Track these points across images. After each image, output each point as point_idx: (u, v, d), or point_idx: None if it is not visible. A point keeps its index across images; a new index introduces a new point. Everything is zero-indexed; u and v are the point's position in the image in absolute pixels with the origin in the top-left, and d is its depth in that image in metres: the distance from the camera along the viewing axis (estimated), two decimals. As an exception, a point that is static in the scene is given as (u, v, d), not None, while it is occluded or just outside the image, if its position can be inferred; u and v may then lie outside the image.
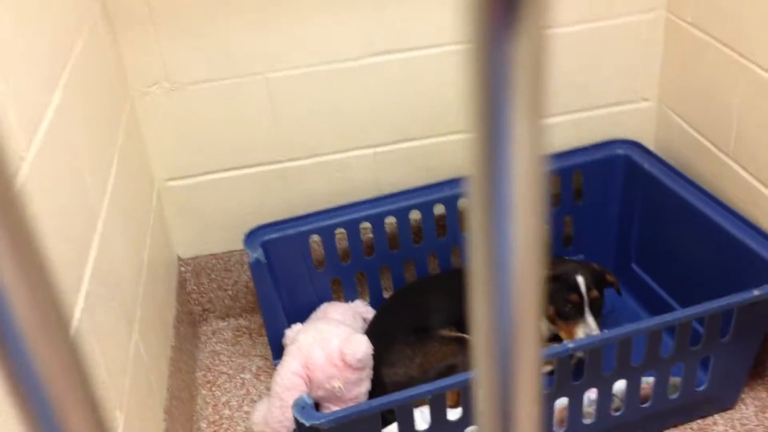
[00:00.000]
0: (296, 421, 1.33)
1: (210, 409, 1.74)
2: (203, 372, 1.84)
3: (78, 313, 1.08)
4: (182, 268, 1.92)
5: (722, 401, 1.63)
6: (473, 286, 0.30)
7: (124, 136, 1.56)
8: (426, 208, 1.85)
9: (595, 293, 1.67)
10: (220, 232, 1.91)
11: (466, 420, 1.42)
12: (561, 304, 1.67)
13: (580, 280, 1.67)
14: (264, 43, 1.72)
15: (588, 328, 1.64)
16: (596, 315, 1.67)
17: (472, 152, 0.27)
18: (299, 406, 1.33)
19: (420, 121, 1.87)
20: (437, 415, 1.40)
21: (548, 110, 0.27)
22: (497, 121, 0.26)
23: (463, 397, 1.41)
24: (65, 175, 1.15)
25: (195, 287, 1.95)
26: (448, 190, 1.86)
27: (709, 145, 1.78)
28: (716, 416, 1.62)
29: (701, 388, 1.56)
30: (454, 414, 1.42)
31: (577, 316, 1.67)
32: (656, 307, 1.84)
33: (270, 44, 1.72)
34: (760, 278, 1.49)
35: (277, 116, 1.80)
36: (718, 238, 1.64)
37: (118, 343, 1.25)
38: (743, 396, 1.65)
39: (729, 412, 1.63)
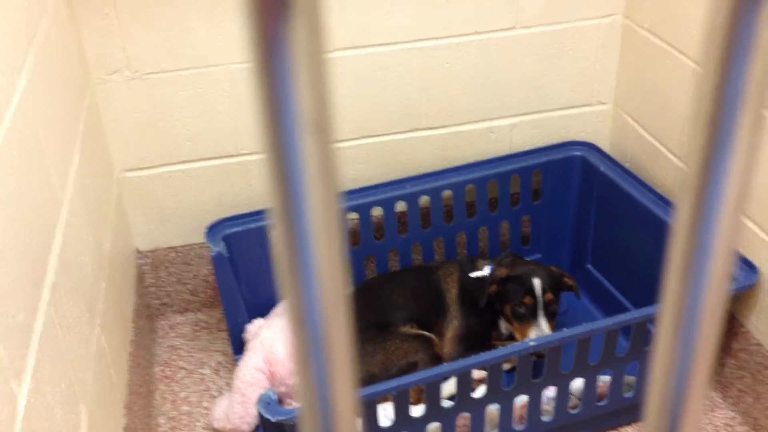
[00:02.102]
0: (261, 417, 1.32)
1: (169, 405, 1.72)
2: (161, 367, 1.82)
3: (43, 306, 1.06)
4: (140, 261, 1.89)
5: (673, 399, 1.67)
6: (286, 314, 0.30)
7: (85, 124, 1.53)
8: (388, 204, 1.85)
9: (549, 296, 1.69)
10: (180, 224, 1.88)
11: (428, 416, 1.43)
12: (516, 305, 1.70)
13: (536, 282, 1.69)
14: (227, 33, 1.70)
15: (540, 331, 1.66)
16: (550, 318, 1.70)
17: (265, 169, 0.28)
18: (264, 401, 1.32)
19: (383, 117, 1.87)
20: (400, 412, 1.41)
21: (332, 127, 0.28)
22: (285, 140, 0.27)
23: (426, 393, 1.42)
24: (30, 163, 1.12)
25: (153, 280, 1.92)
26: (410, 187, 1.87)
27: (662, 149, 1.83)
28: (668, 413, 1.67)
29: (654, 386, 1.61)
30: (417, 410, 1.44)
31: (531, 318, 1.69)
32: (610, 307, 1.88)
33: (233, 35, 1.71)
34: (712, 280, 1.54)
35: (239, 108, 1.78)
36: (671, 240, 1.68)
37: (81, 337, 1.22)
38: (693, 394, 1.69)
39: (679, 409, 1.67)
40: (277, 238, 0.29)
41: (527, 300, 1.68)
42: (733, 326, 1.62)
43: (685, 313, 0.32)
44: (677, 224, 0.31)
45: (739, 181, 0.29)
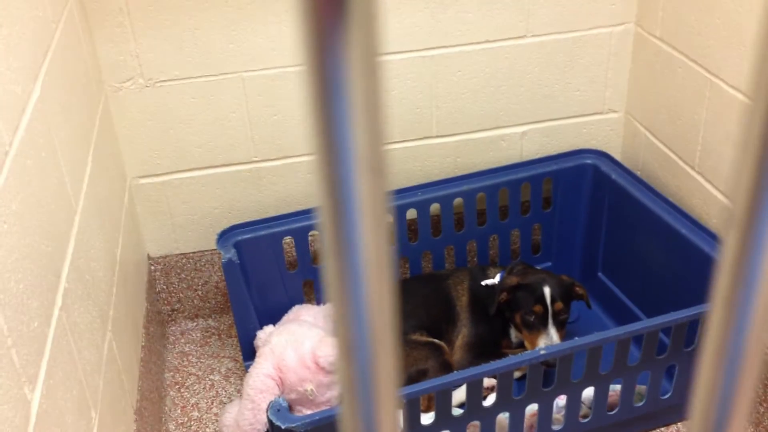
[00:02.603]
0: (271, 424, 1.32)
1: (179, 411, 1.72)
2: (172, 373, 1.82)
3: (56, 312, 1.07)
4: (152, 267, 1.89)
5: (686, 409, 1.67)
6: (333, 315, 0.31)
7: (98, 131, 1.54)
8: (398, 212, 1.86)
9: (559, 305, 1.68)
10: (191, 231, 1.89)
11: (438, 424, 1.43)
12: (526, 314, 1.69)
13: (547, 291, 1.69)
14: (240, 42, 1.71)
15: (550, 340, 1.66)
16: (560, 327, 1.69)
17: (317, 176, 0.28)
18: (275, 408, 1.33)
19: (394, 125, 1.88)
20: (411, 420, 1.41)
21: (386, 134, 0.28)
22: (338, 142, 0.27)
23: (436, 401, 1.42)
24: (45, 170, 1.13)
25: (164, 287, 1.92)
26: (421, 194, 1.87)
27: (674, 157, 1.83)
28: (680, 424, 1.66)
29: (666, 397, 1.60)
30: (426, 418, 1.44)
31: (541, 326, 1.68)
32: (622, 315, 1.88)
33: (246, 44, 1.72)
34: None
35: (251, 116, 1.79)
36: (683, 249, 1.68)
37: (93, 343, 1.23)
38: (705, 404, 1.68)
39: (691, 419, 1.67)
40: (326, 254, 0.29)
41: (537, 309, 1.68)
42: (745, 336, 1.61)
43: (728, 351, 0.32)
44: (723, 259, 0.31)
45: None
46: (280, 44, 1.73)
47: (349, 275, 0.29)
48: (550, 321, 1.68)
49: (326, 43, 0.26)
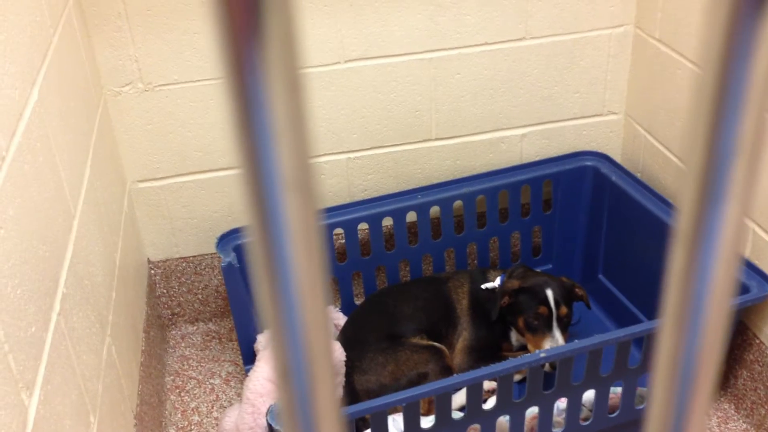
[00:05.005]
0: (270, 428, 1.32)
1: (179, 415, 1.72)
2: (172, 377, 1.82)
3: (54, 317, 1.07)
4: (152, 271, 1.89)
5: (686, 411, 1.66)
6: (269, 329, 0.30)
7: (97, 136, 1.54)
8: (399, 215, 1.86)
9: (564, 308, 1.68)
10: (191, 235, 1.89)
11: (438, 428, 1.43)
12: (529, 317, 1.69)
13: (550, 293, 1.68)
14: (240, 46, 1.71)
15: (555, 342, 1.66)
16: (564, 329, 1.69)
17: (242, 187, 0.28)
18: (274, 412, 1.32)
19: (393, 128, 1.88)
20: (411, 423, 1.40)
21: (313, 147, 0.27)
22: (261, 154, 0.27)
23: (436, 405, 1.42)
24: (42, 175, 1.13)
25: (164, 291, 1.92)
26: (421, 197, 1.87)
27: (674, 158, 1.82)
28: (680, 425, 1.65)
29: (667, 398, 1.59)
30: (427, 422, 1.43)
31: (545, 329, 1.68)
32: (622, 317, 1.87)
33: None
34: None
35: (250, 120, 1.79)
36: (684, 251, 1.67)
37: (92, 348, 1.23)
38: (706, 406, 1.68)
39: (692, 421, 1.66)
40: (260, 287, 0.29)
41: (542, 311, 1.68)
42: (746, 337, 1.61)
43: (679, 367, 0.32)
44: (672, 271, 0.30)
45: (733, 234, 0.29)
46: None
47: (281, 297, 0.29)
48: (555, 323, 1.67)
49: (244, 59, 0.25)
